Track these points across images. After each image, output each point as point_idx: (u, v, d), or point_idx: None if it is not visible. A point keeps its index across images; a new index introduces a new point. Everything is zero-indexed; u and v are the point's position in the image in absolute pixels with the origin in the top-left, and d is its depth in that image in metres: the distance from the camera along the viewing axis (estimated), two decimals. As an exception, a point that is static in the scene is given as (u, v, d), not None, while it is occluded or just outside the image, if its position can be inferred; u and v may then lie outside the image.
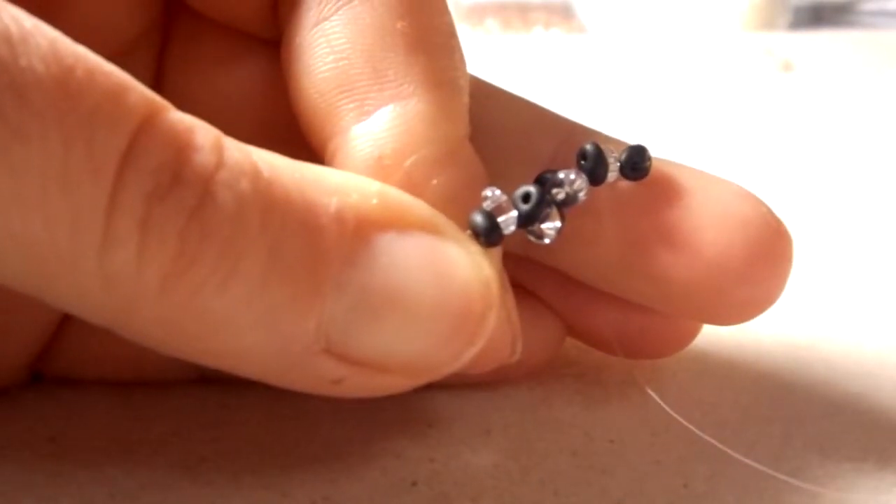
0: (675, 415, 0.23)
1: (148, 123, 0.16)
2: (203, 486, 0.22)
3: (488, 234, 0.19)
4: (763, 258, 0.22)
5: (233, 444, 0.24)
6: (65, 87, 0.16)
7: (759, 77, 0.58)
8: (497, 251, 0.20)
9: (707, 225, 0.21)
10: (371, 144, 0.20)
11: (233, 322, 0.17)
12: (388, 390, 0.19)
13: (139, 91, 0.16)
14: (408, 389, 0.19)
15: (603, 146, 0.22)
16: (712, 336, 0.28)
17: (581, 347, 0.28)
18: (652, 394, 0.24)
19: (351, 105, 0.20)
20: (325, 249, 0.17)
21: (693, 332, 0.25)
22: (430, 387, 0.26)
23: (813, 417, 0.25)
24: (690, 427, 0.22)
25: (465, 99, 0.21)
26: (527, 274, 0.24)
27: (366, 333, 0.18)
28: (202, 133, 0.17)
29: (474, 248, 0.19)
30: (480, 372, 0.22)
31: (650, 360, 0.26)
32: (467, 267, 0.18)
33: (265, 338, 0.17)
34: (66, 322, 0.25)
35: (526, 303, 0.24)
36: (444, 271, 0.18)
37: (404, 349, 0.18)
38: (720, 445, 0.22)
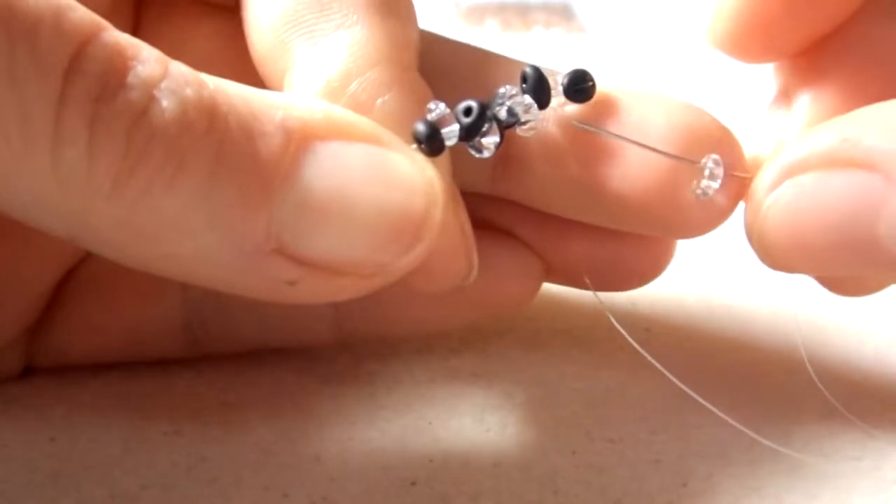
0: (667, 372, 0.23)
1: (94, 36, 0.17)
2: (204, 485, 0.22)
3: (429, 141, 0.20)
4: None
5: (233, 443, 0.24)
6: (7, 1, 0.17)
7: (759, 78, 0.58)
8: (444, 162, 0.21)
9: (654, 137, 0.22)
10: (318, 69, 0.21)
11: (184, 221, 0.18)
12: (344, 293, 0.20)
13: (82, 11, 0.18)
14: (363, 293, 0.20)
15: (544, 69, 0.22)
16: (712, 337, 0.28)
17: (581, 347, 0.28)
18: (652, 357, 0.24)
19: (300, 38, 0.21)
20: (271, 153, 0.18)
21: (663, 261, 0.25)
22: (429, 385, 0.26)
23: (812, 415, 0.25)
24: (687, 389, 0.23)
25: (412, 30, 0.22)
26: (503, 215, 0.25)
27: (314, 234, 0.19)
28: (147, 49, 0.18)
29: (418, 157, 0.20)
30: (440, 289, 0.22)
31: (624, 290, 0.26)
32: (409, 169, 0.19)
33: (218, 238, 0.18)
34: (55, 301, 0.25)
35: (504, 242, 0.25)
36: (386, 173, 0.19)
37: (352, 248, 0.19)
38: (730, 421, 0.22)
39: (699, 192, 0.22)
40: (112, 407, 0.25)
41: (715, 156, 0.22)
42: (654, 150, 0.22)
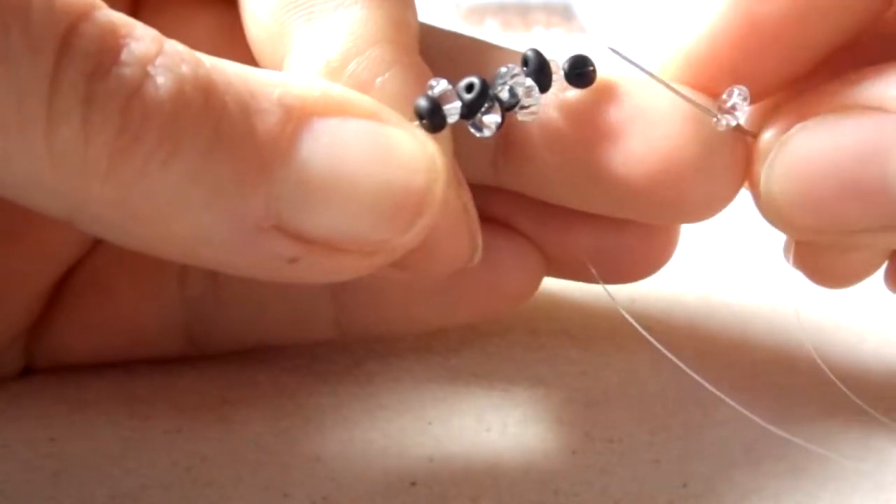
0: (680, 363, 0.23)
1: (87, 14, 0.17)
2: (204, 485, 0.22)
3: (431, 116, 0.20)
4: (715, 147, 0.22)
5: (233, 443, 0.24)
6: None
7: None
8: (446, 140, 0.21)
9: (657, 121, 0.22)
10: (318, 49, 0.21)
11: (182, 200, 0.18)
12: (345, 271, 0.20)
13: None
14: (365, 272, 0.20)
15: (544, 53, 0.22)
16: (711, 336, 0.28)
17: (581, 347, 0.28)
18: (650, 338, 0.24)
19: (300, 19, 0.21)
20: (269, 130, 0.18)
21: (667, 250, 0.25)
22: (429, 385, 0.26)
23: (812, 416, 0.25)
24: (700, 379, 0.22)
25: (411, 14, 0.22)
26: (503, 207, 0.25)
27: (315, 211, 0.18)
28: (141, 27, 0.18)
29: (419, 133, 0.20)
30: (444, 270, 0.22)
31: (627, 282, 0.26)
32: (410, 145, 0.19)
33: (216, 216, 0.18)
34: (54, 301, 0.25)
35: (503, 235, 0.25)
36: (387, 149, 0.19)
37: (353, 225, 0.19)
38: (734, 404, 0.22)
39: (723, 123, 0.22)
40: (112, 406, 0.25)
41: (740, 87, 0.22)
42: (681, 95, 0.21)
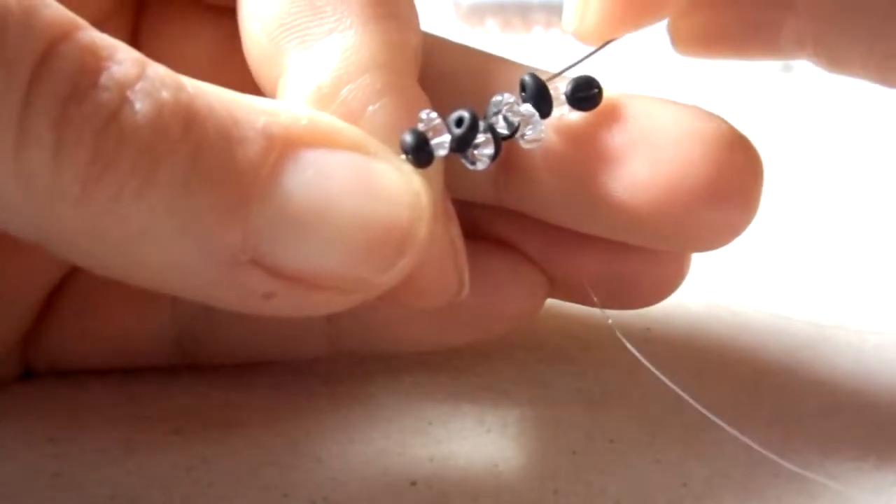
0: (675, 387, 0.23)
1: (67, 35, 0.17)
2: (204, 486, 0.22)
3: (416, 152, 0.19)
4: (726, 172, 0.21)
5: (234, 444, 0.24)
6: None
7: (758, 77, 0.58)
8: (435, 175, 0.20)
9: (664, 143, 0.21)
10: (309, 74, 0.20)
11: (156, 230, 0.17)
12: (323, 308, 0.19)
13: (56, 8, 0.17)
14: (343, 308, 0.19)
15: (544, 77, 0.21)
16: (712, 336, 0.28)
17: (581, 347, 0.28)
18: (645, 361, 0.24)
19: (293, 42, 0.20)
20: (251, 160, 0.17)
21: (676, 278, 0.24)
22: (429, 385, 0.26)
23: (813, 416, 0.25)
24: (688, 398, 0.22)
25: (411, 34, 0.21)
26: (507, 227, 0.24)
27: (293, 245, 0.18)
28: (124, 50, 0.17)
29: (406, 168, 0.19)
30: (429, 305, 0.21)
31: (634, 308, 0.25)
32: (395, 180, 0.19)
33: (191, 247, 0.17)
34: (48, 310, 0.25)
35: (506, 256, 0.24)
36: (371, 184, 0.18)
37: (332, 262, 0.18)
38: (727, 427, 0.22)
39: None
40: (112, 407, 0.25)
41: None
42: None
